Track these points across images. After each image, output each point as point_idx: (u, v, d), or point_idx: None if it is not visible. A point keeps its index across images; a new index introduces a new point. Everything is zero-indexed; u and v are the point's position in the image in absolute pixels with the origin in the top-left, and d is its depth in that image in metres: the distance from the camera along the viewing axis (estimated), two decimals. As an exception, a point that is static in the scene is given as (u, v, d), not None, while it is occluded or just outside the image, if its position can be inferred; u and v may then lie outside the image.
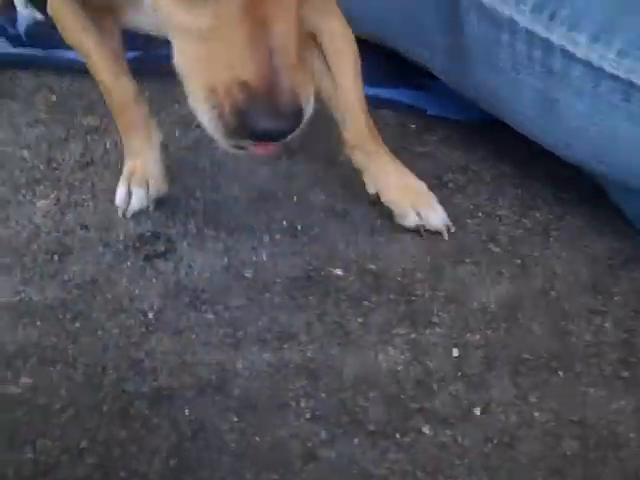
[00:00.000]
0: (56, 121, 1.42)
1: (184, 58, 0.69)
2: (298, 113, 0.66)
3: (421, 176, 1.22)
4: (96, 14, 1.08)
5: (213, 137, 0.69)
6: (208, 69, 0.66)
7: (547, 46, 1.11)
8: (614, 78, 1.04)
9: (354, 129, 1.15)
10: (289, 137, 0.69)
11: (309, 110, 0.69)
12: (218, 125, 0.67)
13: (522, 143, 1.25)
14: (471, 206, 1.26)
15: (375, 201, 1.20)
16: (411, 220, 1.17)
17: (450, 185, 1.30)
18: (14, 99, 1.49)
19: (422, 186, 1.20)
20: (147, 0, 0.74)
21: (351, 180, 1.24)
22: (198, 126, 0.72)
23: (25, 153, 1.35)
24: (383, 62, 1.56)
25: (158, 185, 1.22)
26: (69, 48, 1.49)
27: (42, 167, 1.32)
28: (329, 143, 1.27)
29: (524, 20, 1.13)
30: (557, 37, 1.10)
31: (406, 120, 1.47)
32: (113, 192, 1.23)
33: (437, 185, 1.27)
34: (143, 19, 1.00)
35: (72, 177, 1.30)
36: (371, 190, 1.20)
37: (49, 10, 1.12)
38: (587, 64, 1.08)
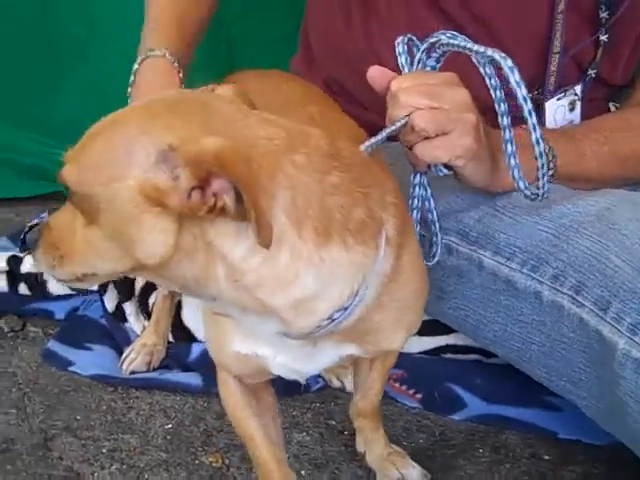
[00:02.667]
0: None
1: None
2: None
3: None
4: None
5: None
6: None
7: None
8: None
9: (370, 404, 1.29)
10: None
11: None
12: None
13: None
14: None
15: (362, 458, 1.36)
16: (393, 477, 1.31)
17: None
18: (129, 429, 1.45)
19: (401, 451, 1.35)
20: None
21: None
22: None
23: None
24: (508, 378, 1.50)
25: None
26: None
27: None
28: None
29: None
30: None
31: (538, 449, 1.39)
32: None
33: None
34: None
35: None
36: (360, 449, 1.36)
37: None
38: None
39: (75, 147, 0.87)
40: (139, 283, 1.73)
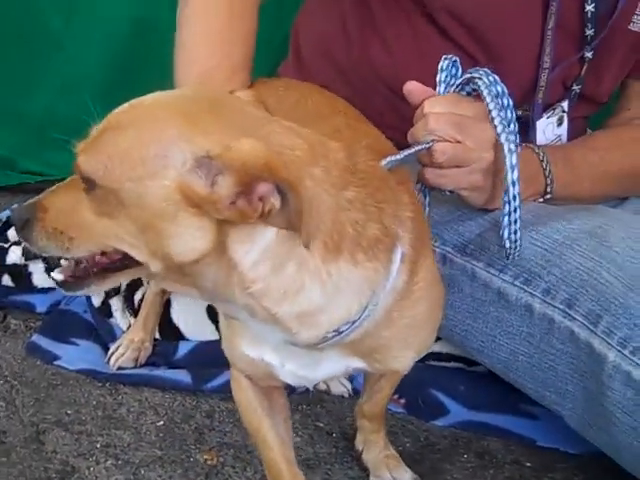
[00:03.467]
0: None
1: None
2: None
3: None
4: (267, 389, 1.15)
5: None
6: None
7: None
8: None
9: (375, 407, 1.31)
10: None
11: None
12: None
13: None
14: None
15: (358, 456, 1.40)
16: (385, 479, 1.35)
17: None
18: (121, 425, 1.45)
19: (396, 455, 1.38)
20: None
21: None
22: None
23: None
24: (490, 387, 1.56)
25: None
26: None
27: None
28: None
29: None
30: None
31: (519, 455, 1.45)
32: None
33: None
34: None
35: None
36: (358, 447, 1.39)
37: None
38: None
39: (94, 137, 0.85)
40: (126, 279, 1.72)
